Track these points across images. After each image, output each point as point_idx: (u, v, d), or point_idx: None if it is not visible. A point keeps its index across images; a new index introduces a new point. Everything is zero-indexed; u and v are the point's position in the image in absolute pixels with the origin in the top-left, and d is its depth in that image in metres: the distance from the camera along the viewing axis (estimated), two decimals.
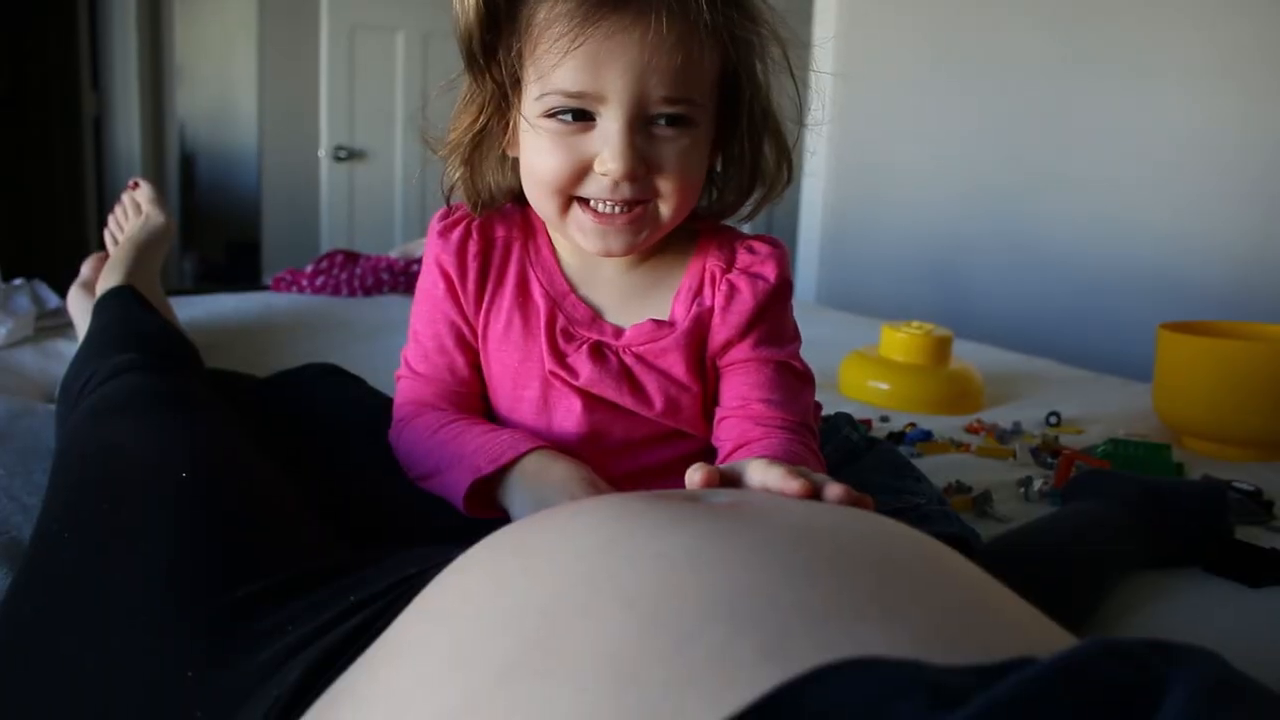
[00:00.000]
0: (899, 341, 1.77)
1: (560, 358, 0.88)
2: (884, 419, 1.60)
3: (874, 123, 3.18)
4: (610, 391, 0.87)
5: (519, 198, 0.91)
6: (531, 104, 0.80)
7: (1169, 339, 1.58)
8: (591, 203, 0.82)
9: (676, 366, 0.88)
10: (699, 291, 0.89)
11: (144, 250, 1.58)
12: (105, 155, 4.15)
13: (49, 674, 0.62)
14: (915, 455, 1.41)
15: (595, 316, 0.89)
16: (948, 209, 3.02)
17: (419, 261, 2.35)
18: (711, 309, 0.88)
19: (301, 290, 2.24)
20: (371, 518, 0.90)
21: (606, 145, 0.78)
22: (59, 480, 0.85)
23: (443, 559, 0.55)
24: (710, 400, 0.91)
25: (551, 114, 0.79)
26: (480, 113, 0.85)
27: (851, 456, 1.02)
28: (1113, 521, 1.00)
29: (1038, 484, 1.26)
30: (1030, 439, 1.53)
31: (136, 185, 1.69)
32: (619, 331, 0.89)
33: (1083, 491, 1.10)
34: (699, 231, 0.92)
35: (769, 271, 0.89)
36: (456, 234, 0.91)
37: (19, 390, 1.42)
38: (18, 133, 4.28)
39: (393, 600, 0.61)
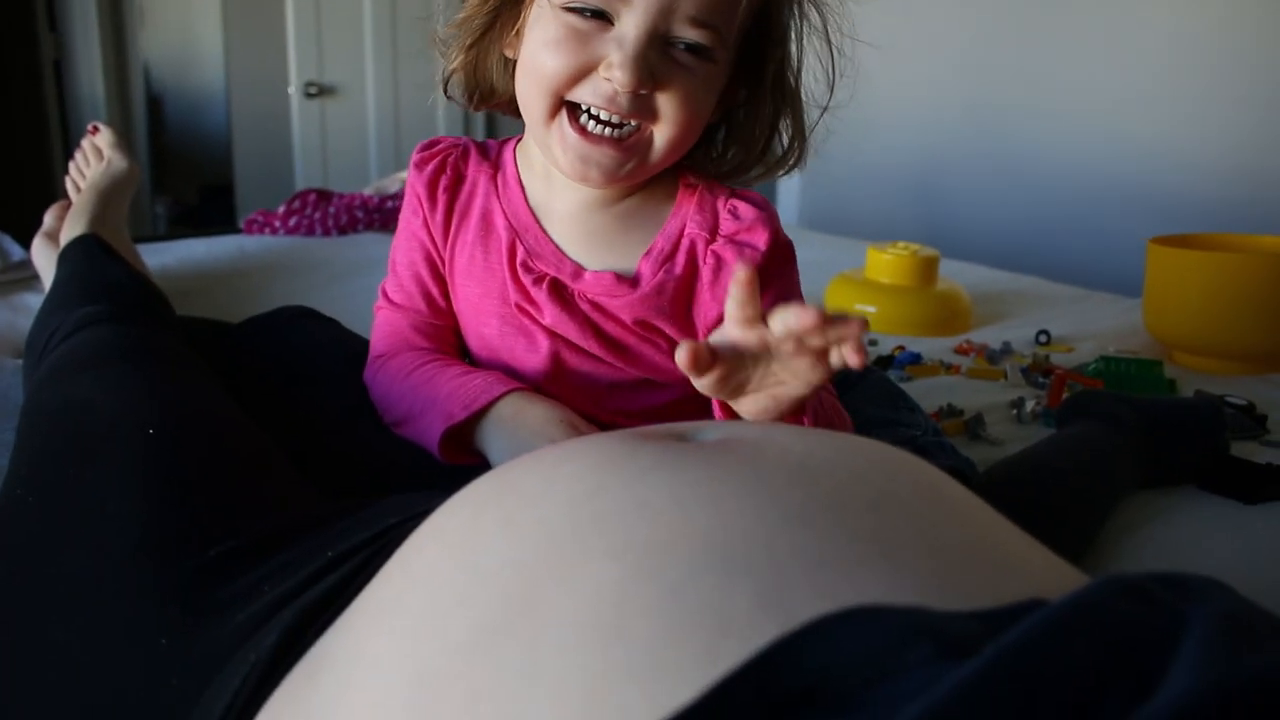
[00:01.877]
0: (885, 263, 1.74)
1: (523, 291, 0.84)
2: (872, 342, 1.58)
3: (856, 47, 3.11)
4: (574, 334, 0.83)
5: (511, 109, 0.87)
6: None
7: (1158, 253, 1.55)
8: (582, 118, 0.77)
9: (630, 323, 0.84)
10: (671, 255, 0.84)
11: (108, 196, 1.54)
12: (67, 100, 4.05)
13: (16, 646, 0.60)
14: (905, 379, 1.39)
15: (557, 251, 0.85)
16: (930, 127, 2.98)
17: (394, 198, 2.31)
18: (682, 278, 0.83)
19: (274, 232, 2.19)
20: (350, 467, 0.87)
21: (618, 49, 0.73)
22: (23, 441, 0.82)
23: (424, 507, 0.53)
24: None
25: (570, 7, 0.74)
26: (487, 4, 0.81)
27: (843, 386, 1.00)
28: (1108, 444, 0.99)
29: (1030, 405, 1.24)
30: (1020, 359, 1.51)
31: (96, 130, 1.64)
32: (578, 272, 0.84)
33: (1076, 413, 1.09)
34: (679, 184, 0.86)
35: (758, 239, 0.83)
36: (431, 166, 0.88)
37: None
38: None
39: (373, 554, 0.59)
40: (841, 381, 1.00)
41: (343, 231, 2.21)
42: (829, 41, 0.84)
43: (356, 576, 0.57)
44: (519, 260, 0.84)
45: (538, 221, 0.86)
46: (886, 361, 1.45)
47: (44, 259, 1.53)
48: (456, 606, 0.41)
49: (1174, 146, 2.35)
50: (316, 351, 1.05)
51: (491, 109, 0.89)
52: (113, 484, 0.69)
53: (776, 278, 0.84)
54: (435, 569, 0.45)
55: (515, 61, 0.83)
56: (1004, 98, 2.75)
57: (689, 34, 0.74)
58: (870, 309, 1.69)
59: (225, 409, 0.85)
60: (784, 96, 0.84)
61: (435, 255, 0.89)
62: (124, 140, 1.64)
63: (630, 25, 0.73)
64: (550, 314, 0.83)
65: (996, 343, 1.60)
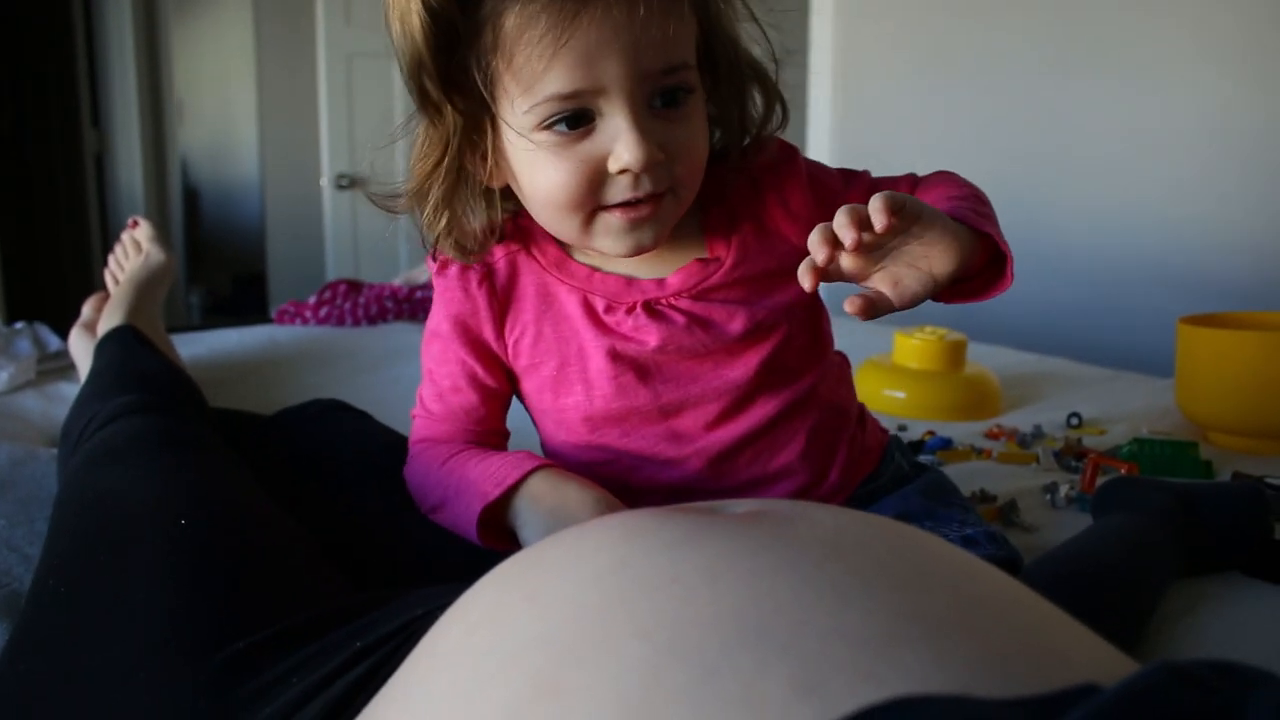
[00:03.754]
0: (913, 348, 1.74)
1: (613, 334, 0.82)
2: (901, 428, 1.57)
3: (875, 122, 3.15)
4: (685, 342, 0.81)
5: (501, 234, 0.85)
6: (521, 118, 0.73)
7: (1189, 333, 1.54)
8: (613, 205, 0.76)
9: (737, 296, 0.83)
10: (732, 219, 0.84)
11: (145, 289, 1.56)
12: (108, 193, 4.15)
13: None
14: (936, 464, 1.37)
15: (629, 281, 0.83)
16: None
17: (423, 288, 2.33)
18: (754, 229, 0.84)
19: (305, 322, 2.22)
20: (380, 558, 0.87)
21: (618, 139, 0.72)
22: (55, 532, 0.83)
23: (452, 598, 0.53)
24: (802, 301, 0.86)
25: (547, 125, 0.72)
26: (446, 150, 0.78)
27: (898, 482, 0.98)
28: (1148, 534, 0.97)
29: (1063, 489, 1.22)
30: (1052, 442, 1.49)
31: (136, 224, 1.68)
32: (661, 283, 0.83)
33: (1113, 501, 1.07)
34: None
35: (791, 160, 0.86)
36: (454, 268, 0.85)
37: (21, 435, 1.40)
38: (20, 172, 4.29)
39: (399, 644, 0.59)
40: (897, 478, 0.98)
41: (373, 321, 2.23)
42: (752, 14, 0.82)
43: (383, 667, 0.57)
44: (600, 309, 0.83)
45: (596, 269, 0.84)
46: (917, 447, 1.44)
47: (81, 349, 1.55)
48: (483, 688, 0.41)
49: (1202, 224, 2.35)
50: (347, 444, 1.05)
51: (485, 250, 0.85)
52: (143, 575, 0.69)
53: (824, 169, 0.89)
54: (461, 650, 0.44)
55: (495, 192, 0.81)
56: (1025, 178, 2.76)
57: (667, 85, 0.74)
58: (899, 394, 1.68)
59: (256, 500, 0.85)
60: (744, 69, 0.83)
61: (476, 365, 0.86)
62: (161, 234, 1.68)
63: (617, 113, 0.72)
64: (655, 336, 0.81)
65: (1027, 426, 1.58)
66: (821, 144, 3.23)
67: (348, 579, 0.80)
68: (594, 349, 0.82)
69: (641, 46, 0.71)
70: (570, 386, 0.84)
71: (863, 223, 0.66)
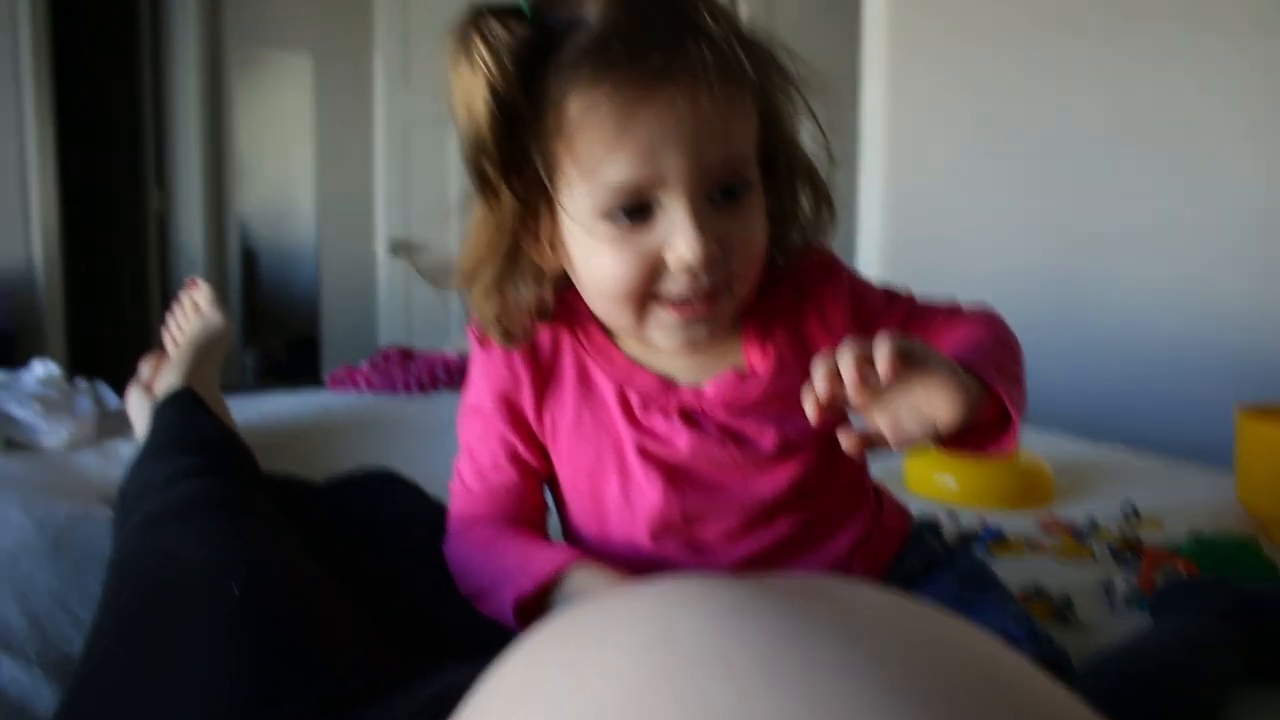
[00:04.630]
0: None
1: (645, 432, 0.81)
2: (952, 515, 1.55)
3: (922, 199, 3.15)
4: (715, 453, 0.80)
5: (550, 316, 0.85)
6: (580, 205, 0.73)
7: (1249, 424, 1.51)
8: (669, 298, 0.76)
9: (776, 408, 0.82)
10: (769, 332, 0.84)
11: (202, 351, 1.59)
12: (169, 253, 4.24)
13: None
14: (989, 557, 1.35)
15: (668, 384, 0.83)
16: (1003, 287, 2.97)
17: None
18: (790, 343, 0.83)
19: (358, 388, 2.24)
20: (425, 631, 0.87)
21: (676, 232, 0.72)
22: (110, 595, 0.83)
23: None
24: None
25: (606, 214, 0.73)
26: (501, 232, 0.78)
27: (933, 567, 0.97)
28: (1211, 637, 0.94)
29: (1121, 587, 1.20)
30: (1108, 536, 1.46)
31: (195, 284, 1.71)
32: (698, 392, 0.82)
33: (1172, 603, 1.04)
34: None
35: (835, 273, 0.86)
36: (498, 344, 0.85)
37: (79, 494, 1.42)
38: (85, 232, 4.40)
39: (437, 715, 0.58)
40: (931, 564, 0.97)
41: (424, 390, 2.25)
42: (811, 112, 0.82)
43: None
44: (635, 405, 0.82)
45: (637, 363, 0.84)
46: (970, 539, 1.42)
47: (138, 409, 1.58)
48: None
49: (1261, 309, 2.31)
50: (395, 515, 1.06)
51: (533, 335, 0.85)
52: (198, 638, 0.70)
53: (867, 286, 0.88)
54: None
55: (546, 275, 0.81)
56: (1078, 257, 2.74)
57: (726, 179, 0.74)
58: (950, 480, 1.66)
59: (308, 567, 0.85)
60: (798, 168, 0.83)
61: (517, 442, 0.86)
62: (219, 297, 1.71)
63: (677, 206, 0.72)
64: (686, 441, 0.81)
65: (1081, 517, 1.55)
66: (872, 226, 3.23)
67: (393, 649, 0.79)
68: (628, 443, 0.82)
69: (703, 139, 0.71)
70: (607, 477, 0.84)
71: (868, 364, 0.66)
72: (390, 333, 4.22)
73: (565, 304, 0.85)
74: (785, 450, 0.82)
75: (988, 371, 0.72)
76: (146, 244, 4.28)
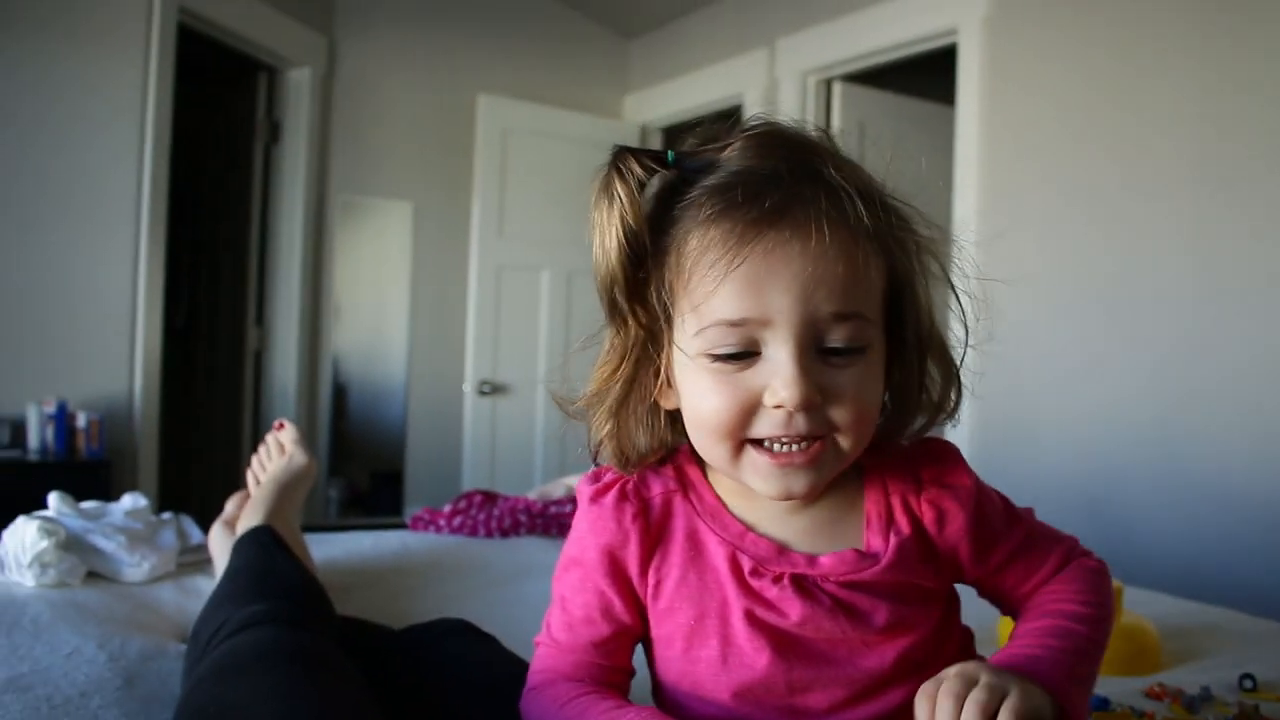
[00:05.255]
0: None
1: (755, 598, 0.79)
2: None
3: (1016, 348, 3.09)
4: (825, 625, 0.78)
5: (669, 452, 0.85)
6: (689, 340, 0.75)
7: None
8: (766, 443, 0.75)
9: (886, 594, 0.79)
10: (890, 518, 0.82)
11: (286, 490, 1.60)
12: (263, 388, 4.34)
13: None
14: None
15: (782, 550, 0.80)
16: (1103, 444, 2.88)
17: (557, 503, 2.33)
18: (911, 535, 0.81)
19: (439, 530, 2.23)
20: None
21: (776, 374, 0.72)
22: None
23: None
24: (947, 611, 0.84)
25: (714, 356, 0.74)
26: (623, 361, 0.80)
27: None
28: None
29: None
30: (1224, 708, 1.36)
31: (282, 426, 1.73)
32: (813, 560, 0.80)
33: None
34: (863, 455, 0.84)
35: (962, 478, 0.83)
36: (610, 498, 0.83)
37: (154, 628, 1.41)
38: (186, 367, 4.54)
39: None
40: None
41: (505, 534, 2.23)
42: (951, 285, 0.83)
43: None
44: (747, 570, 0.80)
45: (750, 528, 0.82)
46: None
47: (220, 545, 1.58)
48: None
49: None
50: (470, 670, 1.02)
51: (644, 465, 0.86)
52: None
53: (990, 512, 0.85)
54: None
55: (666, 411, 0.83)
56: (1184, 409, 2.65)
57: (838, 334, 0.74)
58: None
59: None
60: (929, 345, 0.82)
61: (615, 599, 0.83)
62: (305, 437, 1.72)
63: (780, 348, 0.73)
64: (798, 610, 0.78)
65: (1193, 687, 1.45)
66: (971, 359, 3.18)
67: None
68: (735, 608, 0.79)
69: (815, 283, 0.72)
70: (706, 640, 0.80)
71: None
72: (474, 473, 4.24)
73: (680, 472, 0.85)
74: (897, 627, 0.79)
75: (1063, 684, 0.74)
76: (242, 379, 4.39)
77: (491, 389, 4.31)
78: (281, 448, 1.70)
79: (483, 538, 2.21)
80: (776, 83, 3.96)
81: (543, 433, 4.36)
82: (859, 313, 0.74)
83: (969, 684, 0.68)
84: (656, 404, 0.83)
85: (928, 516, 0.82)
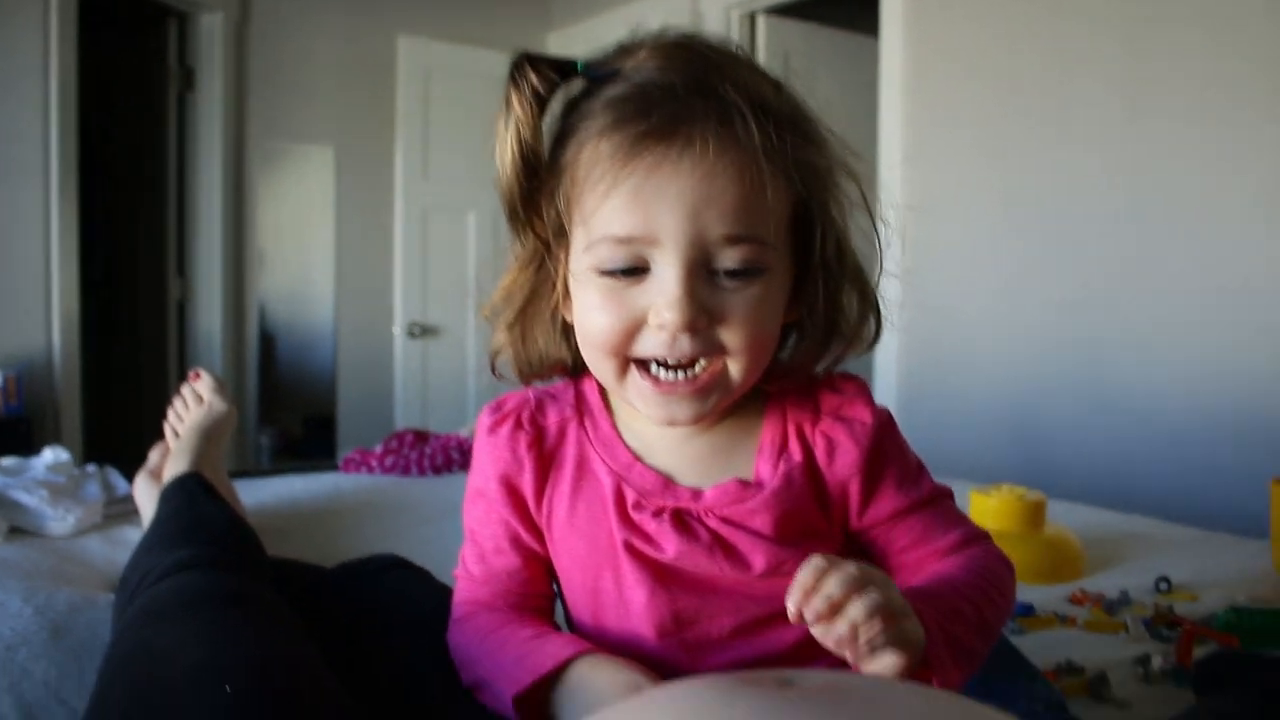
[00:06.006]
0: (990, 508, 1.68)
1: (635, 530, 0.78)
2: None
3: (943, 273, 3.13)
4: (702, 562, 0.76)
5: (571, 369, 0.85)
6: (580, 255, 0.74)
7: None
8: (652, 368, 0.74)
9: (769, 529, 0.77)
10: (784, 446, 0.80)
11: (208, 437, 1.57)
12: (187, 338, 4.26)
13: None
14: (1018, 632, 1.30)
15: (667, 483, 0.79)
16: (1027, 360, 2.94)
17: None
18: (802, 465, 0.79)
19: (371, 470, 2.22)
20: None
21: (661, 293, 0.71)
22: (100, 691, 0.80)
23: None
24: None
25: (601, 271, 0.72)
26: (523, 271, 0.80)
27: None
28: (1259, 715, 0.90)
29: (1157, 662, 1.15)
30: (1141, 609, 1.41)
31: (198, 376, 1.70)
32: (697, 494, 0.78)
33: (1216, 678, 1.00)
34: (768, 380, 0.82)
35: (861, 412, 0.80)
36: (506, 428, 0.83)
37: (83, 580, 1.39)
38: (106, 319, 4.44)
39: None
40: None
41: (438, 472, 2.23)
42: (870, 211, 0.81)
43: None
44: (630, 502, 0.79)
45: (639, 459, 0.81)
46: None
47: (145, 495, 1.56)
48: None
49: None
50: (404, 605, 1.02)
51: (544, 377, 0.85)
52: None
53: (892, 456, 0.81)
54: None
55: (564, 324, 0.81)
56: (1101, 328, 2.71)
57: (730, 257, 0.71)
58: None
59: (308, 664, 0.82)
60: (843, 272, 0.79)
61: (519, 527, 0.83)
62: (224, 385, 1.70)
63: (667, 268, 0.70)
64: (673, 546, 0.76)
65: (1113, 591, 1.50)
66: (889, 304, 3.21)
67: None
68: (617, 539, 0.79)
69: (704, 203, 0.70)
70: (601, 571, 0.80)
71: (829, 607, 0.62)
72: (407, 414, 4.22)
73: (579, 394, 0.85)
74: (776, 573, 0.77)
75: (936, 647, 0.67)
76: (165, 330, 4.30)
77: (421, 331, 4.28)
78: (199, 397, 1.67)
79: (415, 476, 2.20)
80: (701, 16, 3.92)
81: (475, 373, 4.34)
82: (754, 235, 0.72)
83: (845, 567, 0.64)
84: (556, 316, 0.82)
85: (820, 446, 0.80)
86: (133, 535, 1.57)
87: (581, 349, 0.78)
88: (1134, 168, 2.62)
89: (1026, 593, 1.50)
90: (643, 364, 0.74)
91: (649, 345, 0.73)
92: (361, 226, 4.45)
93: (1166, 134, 2.54)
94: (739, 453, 0.81)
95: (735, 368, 0.74)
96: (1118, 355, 2.67)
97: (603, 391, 0.84)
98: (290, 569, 1.20)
